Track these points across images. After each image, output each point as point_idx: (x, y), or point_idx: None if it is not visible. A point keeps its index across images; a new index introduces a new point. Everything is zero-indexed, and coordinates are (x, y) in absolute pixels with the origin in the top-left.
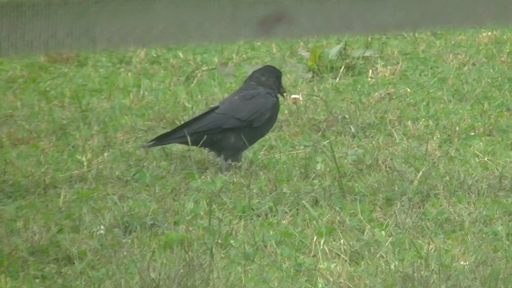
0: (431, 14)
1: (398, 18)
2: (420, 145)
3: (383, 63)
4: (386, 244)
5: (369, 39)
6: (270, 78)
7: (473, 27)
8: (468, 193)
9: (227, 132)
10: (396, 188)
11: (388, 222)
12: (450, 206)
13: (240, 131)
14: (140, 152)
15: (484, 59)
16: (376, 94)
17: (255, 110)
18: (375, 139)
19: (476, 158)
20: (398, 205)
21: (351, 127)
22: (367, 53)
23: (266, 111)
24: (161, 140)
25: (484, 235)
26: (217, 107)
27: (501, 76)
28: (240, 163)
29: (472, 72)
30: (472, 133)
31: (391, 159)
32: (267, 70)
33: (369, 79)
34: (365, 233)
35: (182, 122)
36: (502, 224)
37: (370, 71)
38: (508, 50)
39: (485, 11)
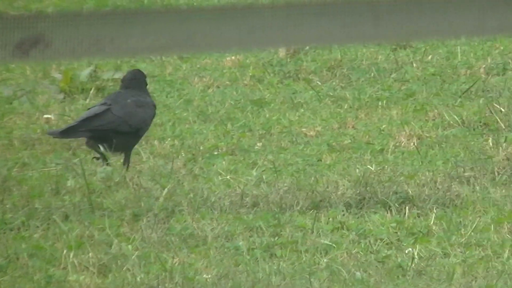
0: (179, 40)
1: (147, 44)
2: (166, 164)
3: None
4: (133, 257)
5: (119, 62)
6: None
7: (219, 52)
8: (211, 210)
9: (120, 135)
10: (143, 204)
11: (134, 236)
12: (194, 222)
13: (128, 135)
14: None
15: (228, 82)
16: None
17: (143, 120)
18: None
19: (219, 176)
20: (145, 220)
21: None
22: (117, 75)
23: (149, 123)
24: (67, 133)
25: (226, 250)
26: (109, 105)
27: (244, 98)
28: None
29: (216, 94)
30: (216, 153)
31: (138, 177)
32: (142, 74)
33: None
34: (113, 247)
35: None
36: (243, 240)
37: None
38: (250, 74)
39: (232, 36)
